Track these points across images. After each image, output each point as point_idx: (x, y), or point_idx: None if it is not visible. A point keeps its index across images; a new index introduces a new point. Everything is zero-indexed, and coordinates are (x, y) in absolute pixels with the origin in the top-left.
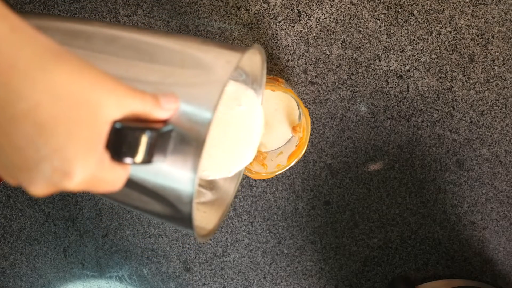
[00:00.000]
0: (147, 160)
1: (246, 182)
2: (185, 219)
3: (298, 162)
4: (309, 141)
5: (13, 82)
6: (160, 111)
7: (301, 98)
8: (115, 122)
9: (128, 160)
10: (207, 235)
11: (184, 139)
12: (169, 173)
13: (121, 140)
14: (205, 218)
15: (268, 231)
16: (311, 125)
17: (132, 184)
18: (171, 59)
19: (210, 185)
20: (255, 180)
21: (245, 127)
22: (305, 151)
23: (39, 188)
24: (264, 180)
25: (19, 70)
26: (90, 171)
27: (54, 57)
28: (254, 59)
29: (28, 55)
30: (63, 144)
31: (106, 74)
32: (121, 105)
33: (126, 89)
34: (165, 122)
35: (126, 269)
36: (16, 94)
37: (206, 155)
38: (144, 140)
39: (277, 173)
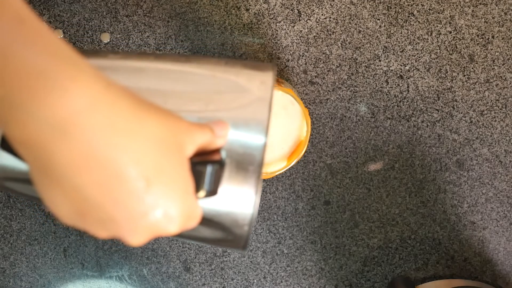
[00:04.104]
0: (215, 192)
1: None
2: (237, 241)
3: (298, 162)
4: (309, 141)
5: (115, 139)
6: (217, 139)
7: (301, 98)
8: (190, 159)
9: (197, 193)
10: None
11: (240, 165)
12: (225, 199)
13: (197, 176)
14: None
15: (268, 231)
16: (311, 125)
17: None
18: (205, 86)
19: None
20: None
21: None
22: (305, 151)
23: (141, 238)
24: (264, 180)
25: (119, 127)
26: (187, 211)
27: (144, 107)
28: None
29: (124, 110)
30: (166, 191)
31: (176, 113)
32: (193, 141)
33: (192, 124)
34: (219, 150)
35: (126, 269)
36: (119, 150)
37: None
38: (210, 173)
39: (277, 173)
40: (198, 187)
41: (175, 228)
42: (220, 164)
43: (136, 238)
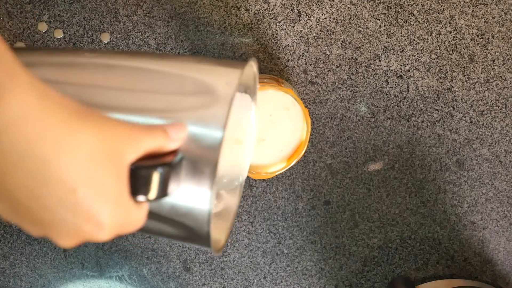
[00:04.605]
0: (164, 194)
1: (246, 182)
2: (203, 238)
3: (298, 162)
4: (309, 141)
5: (43, 151)
6: (170, 142)
7: (301, 98)
8: (131, 165)
9: (144, 197)
10: (221, 247)
11: (196, 165)
12: (184, 198)
13: (137, 181)
14: (216, 230)
15: (268, 231)
16: (311, 125)
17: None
18: (172, 86)
19: (216, 197)
20: (255, 180)
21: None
22: (305, 151)
23: (69, 241)
24: (264, 180)
25: (48, 139)
26: (120, 219)
27: (78, 118)
28: (247, 70)
29: (56, 122)
30: (93, 201)
31: (120, 121)
32: (136, 148)
33: (138, 130)
34: (175, 152)
35: (126, 269)
36: (47, 162)
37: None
38: (157, 176)
39: (277, 173)
40: (143, 192)
41: (105, 236)
42: (170, 166)
43: (65, 242)
